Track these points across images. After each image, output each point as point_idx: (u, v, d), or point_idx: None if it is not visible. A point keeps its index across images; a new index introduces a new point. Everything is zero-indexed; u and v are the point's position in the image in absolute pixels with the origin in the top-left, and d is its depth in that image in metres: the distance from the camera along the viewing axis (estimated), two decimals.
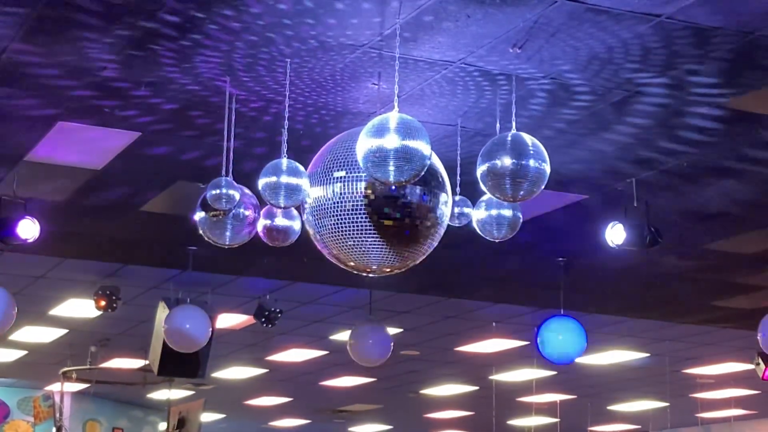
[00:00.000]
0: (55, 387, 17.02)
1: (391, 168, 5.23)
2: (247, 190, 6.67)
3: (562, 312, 10.83)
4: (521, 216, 6.60)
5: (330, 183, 5.71)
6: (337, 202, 5.68)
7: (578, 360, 12.09)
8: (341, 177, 5.67)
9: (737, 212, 9.03)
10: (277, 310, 11.61)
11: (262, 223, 6.60)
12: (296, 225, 6.51)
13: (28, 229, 8.40)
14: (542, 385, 17.66)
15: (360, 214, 5.65)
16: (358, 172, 5.61)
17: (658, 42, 6.01)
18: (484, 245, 7.23)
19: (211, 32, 6.03)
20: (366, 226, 5.64)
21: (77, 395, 18.75)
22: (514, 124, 6.05)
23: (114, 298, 11.28)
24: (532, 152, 5.73)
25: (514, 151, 5.70)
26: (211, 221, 6.65)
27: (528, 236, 8.13)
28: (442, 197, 5.84)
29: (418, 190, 5.70)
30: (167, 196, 8.88)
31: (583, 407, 20.06)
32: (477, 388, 18.61)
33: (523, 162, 5.69)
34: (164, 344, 10.58)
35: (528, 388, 17.61)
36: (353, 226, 5.65)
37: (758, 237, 9.64)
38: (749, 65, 6.32)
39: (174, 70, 6.51)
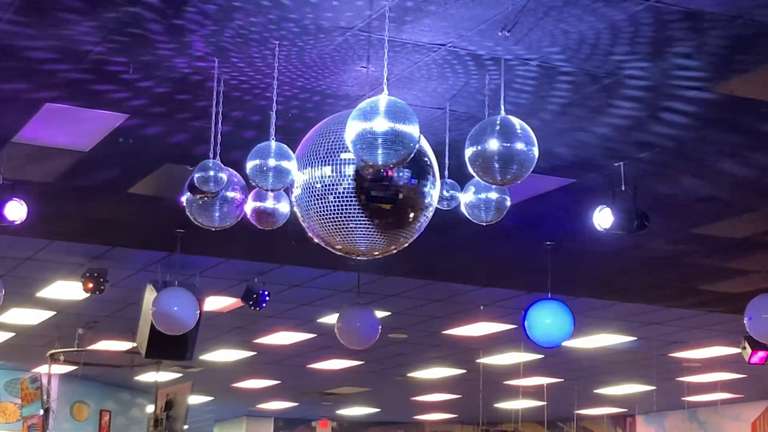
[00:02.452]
0: (42, 369, 17.00)
1: (380, 151, 5.22)
2: (234, 172, 6.66)
3: (549, 296, 10.85)
4: (509, 199, 6.61)
5: (319, 165, 5.70)
6: (327, 185, 5.67)
7: (565, 343, 12.13)
8: (335, 159, 5.66)
9: (725, 197, 9.04)
10: (265, 293, 11.60)
11: (250, 206, 6.59)
12: (285, 208, 6.50)
13: (15, 210, 8.38)
14: (529, 369, 17.71)
15: (349, 196, 5.64)
16: (348, 155, 5.60)
17: (648, 25, 6.01)
18: (473, 229, 7.24)
19: (199, 14, 6.00)
20: (355, 209, 5.63)
21: (65, 377, 18.73)
22: (502, 107, 6.04)
23: (102, 280, 11.27)
24: (520, 135, 5.72)
25: (503, 134, 5.69)
26: (199, 204, 6.64)
27: (516, 220, 8.14)
28: (431, 180, 5.83)
29: (406, 173, 5.69)
30: (155, 179, 8.87)
31: (570, 390, 20.13)
32: (464, 371, 18.65)
33: (512, 145, 5.68)
34: (152, 327, 10.57)
35: (515, 371, 17.66)
36: (342, 209, 5.65)
37: (745, 221, 9.66)
38: (738, 49, 6.31)
39: (162, 51, 6.49)
